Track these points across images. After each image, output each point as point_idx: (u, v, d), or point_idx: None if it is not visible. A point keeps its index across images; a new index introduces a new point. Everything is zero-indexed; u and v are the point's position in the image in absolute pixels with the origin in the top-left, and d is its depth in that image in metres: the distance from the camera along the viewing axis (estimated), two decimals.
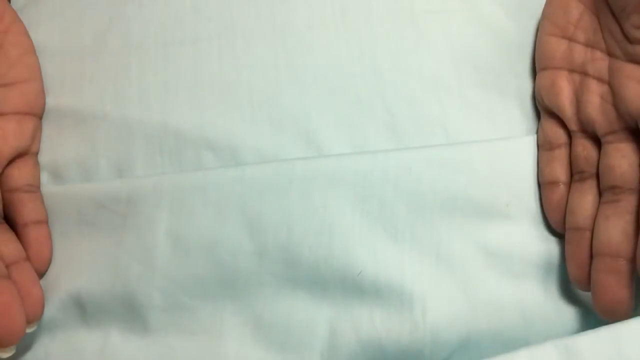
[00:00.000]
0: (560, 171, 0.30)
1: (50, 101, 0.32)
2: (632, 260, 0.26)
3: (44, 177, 0.31)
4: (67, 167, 0.31)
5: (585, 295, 0.29)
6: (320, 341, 0.29)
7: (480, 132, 0.31)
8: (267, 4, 0.34)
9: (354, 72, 0.32)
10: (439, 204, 0.30)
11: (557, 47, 0.31)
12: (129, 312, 0.29)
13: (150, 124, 0.31)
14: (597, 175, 0.29)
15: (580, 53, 0.30)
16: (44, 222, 0.30)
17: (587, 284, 0.28)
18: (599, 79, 0.29)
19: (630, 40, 0.28)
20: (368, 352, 0.29)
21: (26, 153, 0.31)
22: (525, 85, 0.33)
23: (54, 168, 0.31)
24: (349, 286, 0.29)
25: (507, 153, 0.31)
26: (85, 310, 0.29)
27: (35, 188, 0.31)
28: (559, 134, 0.30)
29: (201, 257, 0.29)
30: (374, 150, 0.31)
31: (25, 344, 0.30)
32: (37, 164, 0.31)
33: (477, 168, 0.30)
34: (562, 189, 0.30)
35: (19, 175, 0.30)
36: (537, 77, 0.32)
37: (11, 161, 0.30)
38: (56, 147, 0.32)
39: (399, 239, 0.30)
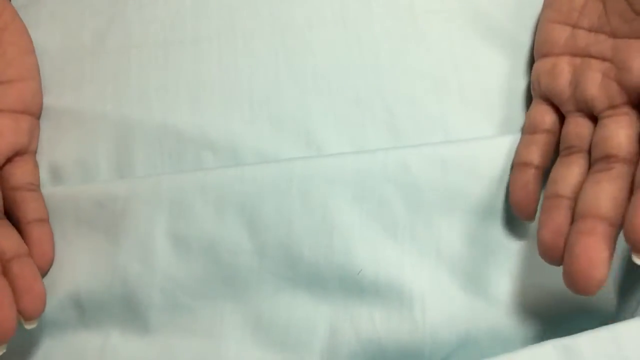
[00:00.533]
0: (535, 155, 0.29)
1: (50, 101, 0.32)
2: (617, 225, 0.25)
3: (44, 177, 0.31)
4: (67, 167, 0.31)
5: (586, 295, 0.29)
6: (320, 340, 0.29)
7: (480, 131, 0.31)
8: (267, 4, 0.34)
9: (354, 72, 0.32)
10: (438, 202, 0.30)
11: (560, 33, 0.31)
12: (128, 312, 0.29)
13: (150, 124, 0.31)
14: (586, 152, 0.28)
15: (583, 38, 0.30)
16: (46, 220, 0.30)
17: (558, 253, 0.26)
18: (602, 58, 0.29)
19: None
20: (368, 352, 0.29)
21: (25, 152, 0.31)
22: (524, 84, 0.33)
23: (54, 168, 0.31)
24: (349, 285, 0.29)
25: (507, 151, 0.31)
26: (84, 310, 0.29)
27: (35, 187, 0.31)
28: (546, 120, 0.30)
29: (201, 257, 0.29)
30: (373, 149, 0.31)
31: (24, 344, 0.30)
32: (36, 163, 0.31)
33: (477, 166, 0.30)
34: (532, 172, 0.29)
35: (20, 173, 0.30)
36: (535, 64, 0.32)
37: (10, 159, 0.30)
38: (56, 147, 0.32)
39: (399, 238, 0.30)
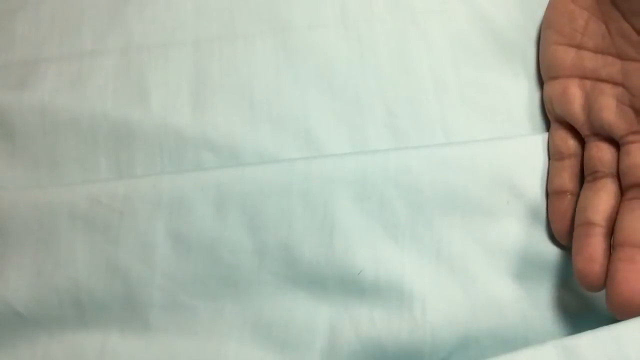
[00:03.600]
0: (568, 181, 0.29)
1: (50, 100, 0.32)
2: None
3: (43, 175, 0.31)
4: (67, 167, 0.31)
5: (586, 295, 0.29)
6: (320, 340, 0.29)
7: (480, 131, 0.32)
8: (267, 4, 0.34)
9: (354, 72, 0.32)
10: (439, 202, 0.30)
11: (566, 55, 0.30)
12: (128, 312, 0.29)
13: (150, 124, 0.31)
14: (612, 176, 0.28)
15: (590, 60, 0.30)
16: None
17: (594, 280, 0.27)
18: (613, 82, 0.29)
19: None
20: (368, 351, 0.29)
21: None
22: (524, 85, 0.33)
23: (54, 167, 0.31)
24: (349, 285, 0.29)
25: (507, 152, 0.31)
26: (84, 310, 0.29)
27: None
28: (570, 144, 0.30)
29: (201, 256, 0.29)
30: (374, 150, 0.31)
31: (24, 344, 0.29)
32: None
33: (478, 167, 0.30)
34: (569, 199, 0.29)
35: None
36: (545, 86, 0.32)
37: None
38: (56, 147, 0.32)
39: (399, 238, 0.30)
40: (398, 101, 0.32)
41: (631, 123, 0.28)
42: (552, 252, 0.30)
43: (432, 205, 0.30)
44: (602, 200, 0.28)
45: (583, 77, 0.30)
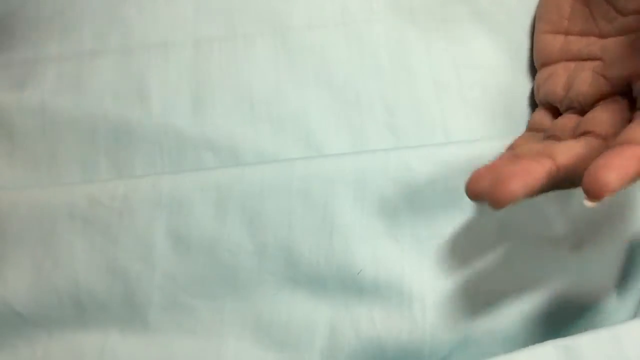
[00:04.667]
0: (524, 144, 0.28)
1: (50, 99, 0.32)
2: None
3: (43, 175, 0.31)
4: (67, 167, 0.31)
5: (586, 295, 0.29)
6: (320, 340, 0.29)
7: (480, 131, 0.32)
8: (267, 4, 0.34)
9: (354, 72, 0.32)
10: (439, 202, 0.30)
11: (554, 42, 0.31)
12: (128, 311, 0.29)
13: (150, 124, 0.31)
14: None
15: (575, 43, 0.31)
16: None
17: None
18: (593, 59, 0.29)
19: (623, 13, 0.28)
20: (368, 351, 0.29)
21: None
22: (524, 85, 0.33)
23: (54, 167, 0.31)
24: (349, 285, 0.29)
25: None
26: (83, 310, 0.29)
27: None
28: (544, 121, 0.31)
29: (201, 256, 0.29)
30: (373, 150, 0.31)
31: (23, 343, 0.29)
32: None
33: (478, 167, 0.30)
34: (509, 152, 0.27)
35: None
36: (537, 74, 0.32)
37: None
38: (56, 147, 0.32)
39: (399, 238, 0.30)
40: (398, 101, 0.32)
41: (601, 90, 0.28)
42: (551, 251, 0.30)
43: (432, 205, 0.30)
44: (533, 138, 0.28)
45: (569, 59, 0.31)
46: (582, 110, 0.29)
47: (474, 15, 0.34)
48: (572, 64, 0.30)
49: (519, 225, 0.30)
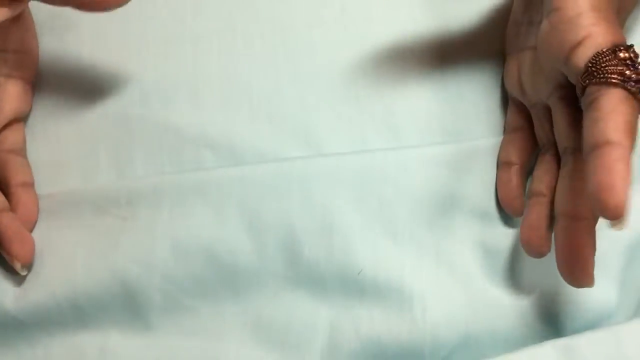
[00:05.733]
0: (514, 153, 0.30)
1: (50, 98, 0.32)
2: (588, 217, 0.26)
3: (43, 175, 0.31)
4: (68, 166, 0.31)
5: (586, 295, 0.29)
6: (320, 340, 0.29)
7: (479, 131, 0.32)
8: (267, 4, 0.34)
9: (353, 72, 0.32)
10: (438, 202, 0.30)
11: (510, 32, 0.32)
12: (128, 312, 0.29)
13: (150, 122, 0.31)
14: (554, 144, 0.29)
15: (523, 33, 0.31)
16: (32, 185, 0.31)
17: (536, 247, 0.28)
18: (532, 48, 0.30)
19: None
20: (368, 351, 0.29)
21: (21, 119, 0.32)
22: None
23: (54, 167, 0.31)
24: (349, 285, 0.29)
25: None
26: (84, 311, 0.29)
27: (24, 153, 0.31)
28: (517, 118, 0.31)
29: (201, 257, 0.29)
30: (373, 149, 0.31)
31: (24, 343, 0.29)
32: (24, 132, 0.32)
33: (476, 166, 0.30)
34: (514, 169, 0.30)
35: (14, 138, 0.31)
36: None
37: (9, 124, 0.31)
38: (56, 146, 0.31)
39: (399, 238, 0.30)
40: (397, 101, 0.32)
41: (540, 88, 0.29)
42: (551, 251, 0.30)
43: (431, 205, 0.30)
44: (544, 170, 0.29)
45: (519, 50, 0.31)
46: (545, 104, 0.29)
47: (473, 15, 0.34)
48: (520, 55, 0.31)
49: (518, 226, 0.30)
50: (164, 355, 0.29)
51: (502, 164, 0.31)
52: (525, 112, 0.31)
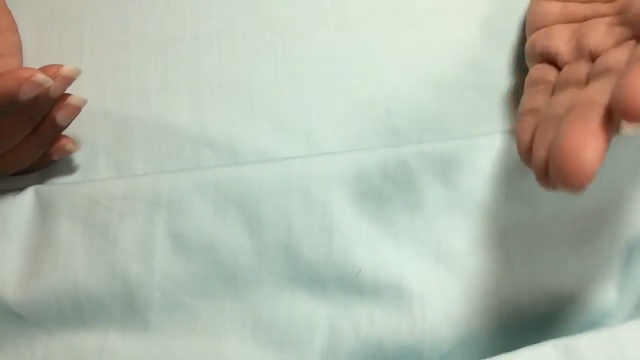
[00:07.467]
0: (540, 100, 0.27)
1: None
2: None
3: (44, 175, 0.31)
4: (67, 165, 0.31)
5: (586, 295, 0.29)
6: (320, 340, 0.29)
7: (479, 130, 0.32)
8: (267, 4, 0.34)
9: (353, 72, 0.32)
10: (438, 200, 0.30)
11: (551, 8, 0.30)
12: (127, 312, 0.29)
13: (149, 121, 0.31)
14: (580, 84, 0.26)
15: (577, 8, 0.29)
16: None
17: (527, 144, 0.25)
18: (603, 15, 0.28)
19: None
20: (367, 351, 0.29)
21: None
22: (523, 84, 0.33)
23: (54, 166, 0.31)
24: (349, 285, 0.29)
25: (507, 148, 0.31)
26: (83, 310, 0.29)
27: None
28: (546, 72, 0.29)
29: (200, 256, 0.29)
30: (372, 147, 0.31)
31: (23, 343, 0.29)
32: None
33: (477, 164, 0.30)
34: (539, 114, 0.26)
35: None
36: (528, 40, 0.31)
37: None
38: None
39: (398, 237, 0.30)
40: (397, 100, 0.32)
41: (618, 37, 0.26)
42: (551, 251, 0.30)
43: (431, 203, 0.30)
44: (564, 98, 0.25)
45: (569, 22, 0.29)
46: (592, 60, 0.27)
47: (473, 15, 0.34)
48: (573, 25, 0.29)
49: (518, 225, 0.30)
50: (163, 354, 0.29)
51: (524, 113, 0.27)
52: (554, 70, 0.29)
